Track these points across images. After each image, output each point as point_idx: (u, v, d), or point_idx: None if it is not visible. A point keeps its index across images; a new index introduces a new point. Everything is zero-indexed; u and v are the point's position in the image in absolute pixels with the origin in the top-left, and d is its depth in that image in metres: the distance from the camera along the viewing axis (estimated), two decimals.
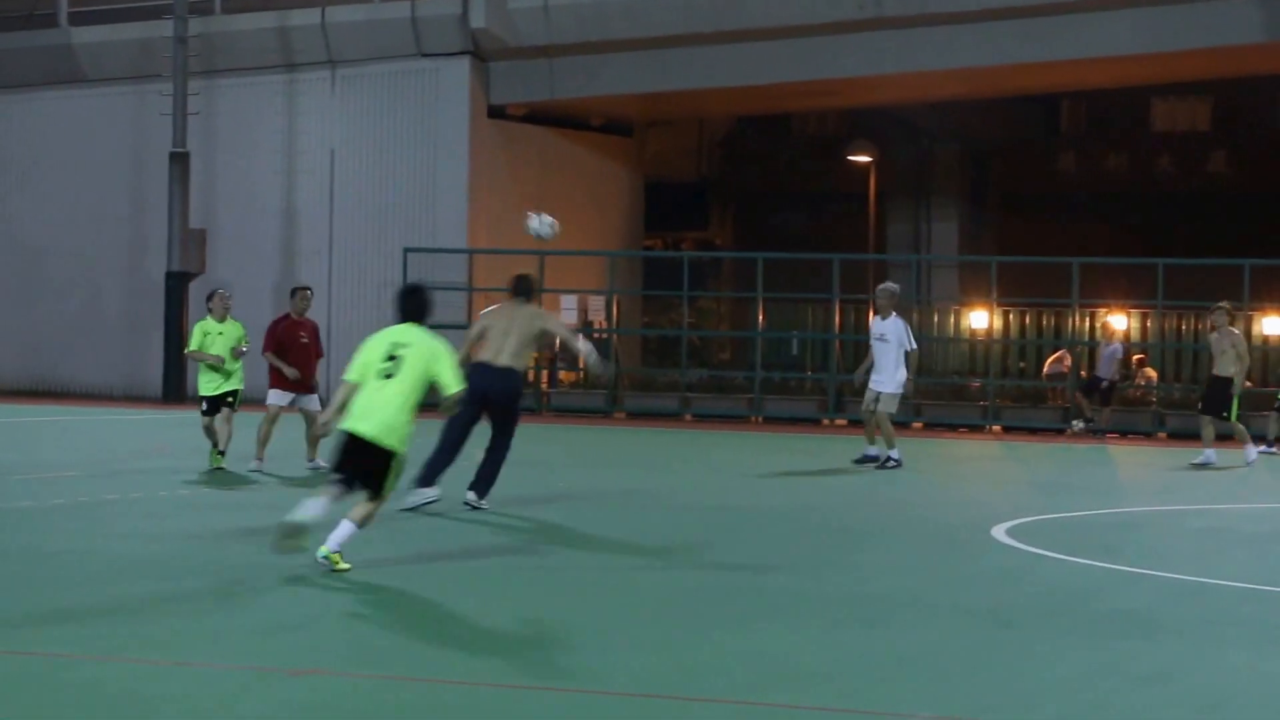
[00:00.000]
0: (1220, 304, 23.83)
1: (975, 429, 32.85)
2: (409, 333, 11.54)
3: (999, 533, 14.64)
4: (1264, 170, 45.58)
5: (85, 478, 18.41)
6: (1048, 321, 37.54)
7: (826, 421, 33.57)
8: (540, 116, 38.83)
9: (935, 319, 38.81)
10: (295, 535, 10.96)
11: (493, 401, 15.18)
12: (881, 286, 22.21)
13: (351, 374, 11.43)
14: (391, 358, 11.30)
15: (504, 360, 15.33)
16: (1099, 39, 33.26)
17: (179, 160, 37.61)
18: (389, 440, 11.15)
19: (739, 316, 39.02)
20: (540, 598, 10.91)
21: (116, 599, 10.42)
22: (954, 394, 34.93)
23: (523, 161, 38.51)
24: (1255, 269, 32.72)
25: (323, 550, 10.93)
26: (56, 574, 11.46)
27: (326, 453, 14.49)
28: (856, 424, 33.04)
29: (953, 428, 32.87)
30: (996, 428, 32.96)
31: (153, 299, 38.36)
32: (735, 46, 35.50)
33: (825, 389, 34.83)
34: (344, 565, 10.96)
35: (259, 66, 38.94)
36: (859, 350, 38.68)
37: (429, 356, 11.39)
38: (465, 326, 36.70)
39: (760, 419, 34.11)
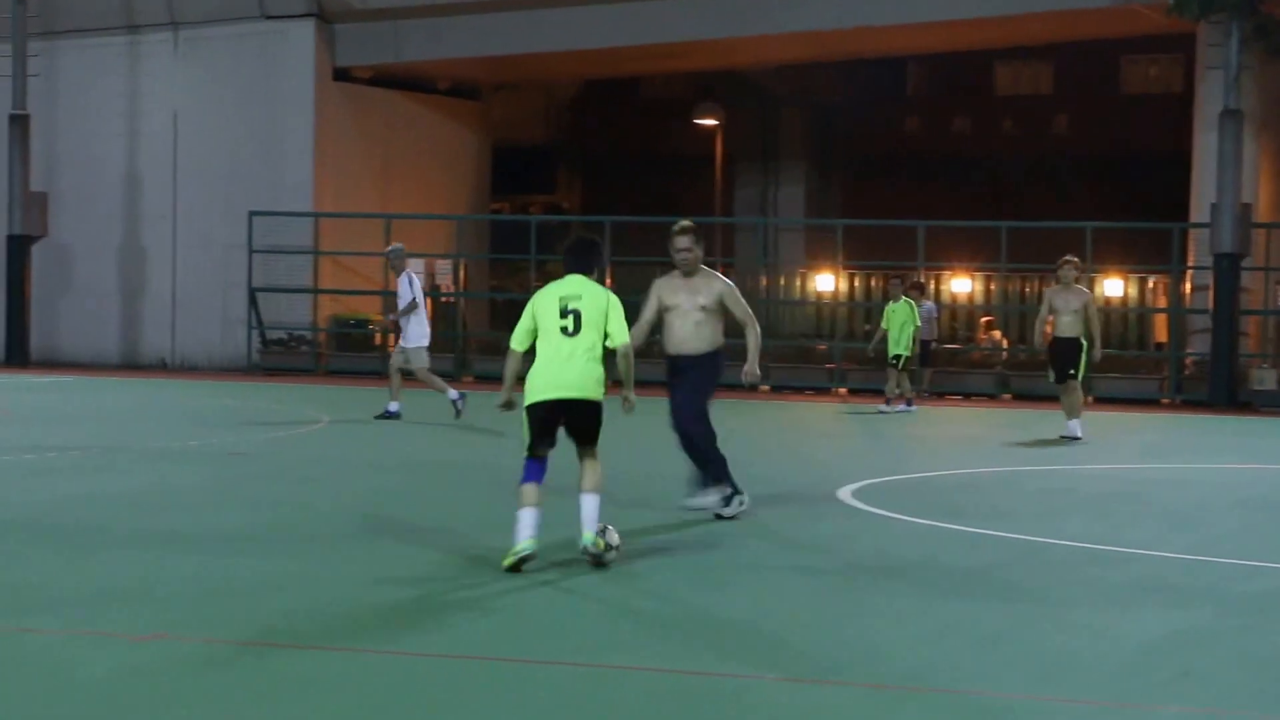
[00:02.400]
0: (1068, 257, 22.03)
1: (821, 392, 33.15)
2: (579, 284, 10.77)
3: (844, 494, 14.83)
4: (1105, 133, 46.33)
5: None
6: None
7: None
8: (386, 80, 38.63)
9: (782, 282, 39.10)
10: (523, 560, 10.27)
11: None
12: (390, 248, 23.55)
13: (518, 340, 10.77)
14: (566, 313, 10.63)
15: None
16: (943, 2, 33.63)
17: (18, 122, 37.02)
18: (595, 393, 10.70)
19: None
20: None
21: None
22: (800, 356, 35.25)
23: (369, 125, 38.31)
24: (1097, 232, 33.29)
25: (587, 538, 10.38)
26: None
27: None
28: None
29: (799, 390, 33.14)
30: (842, 390, 33.30)
31: None
32: (581, 10, 35.50)
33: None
34: (615, 541, 10.51)
35: (101, 28, 38.43)
36: None
37: (604, 305, 10.72)
38: (310, 290, 36.91)
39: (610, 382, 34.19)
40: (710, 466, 12.81)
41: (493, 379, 34.67)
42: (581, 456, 10.78)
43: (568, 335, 10.61)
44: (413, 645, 8.43)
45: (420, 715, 7.08)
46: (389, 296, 37.15)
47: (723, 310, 12.83)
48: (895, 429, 24.42)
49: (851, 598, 9.96)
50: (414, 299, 22.79)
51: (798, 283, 39.68)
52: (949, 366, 33.23)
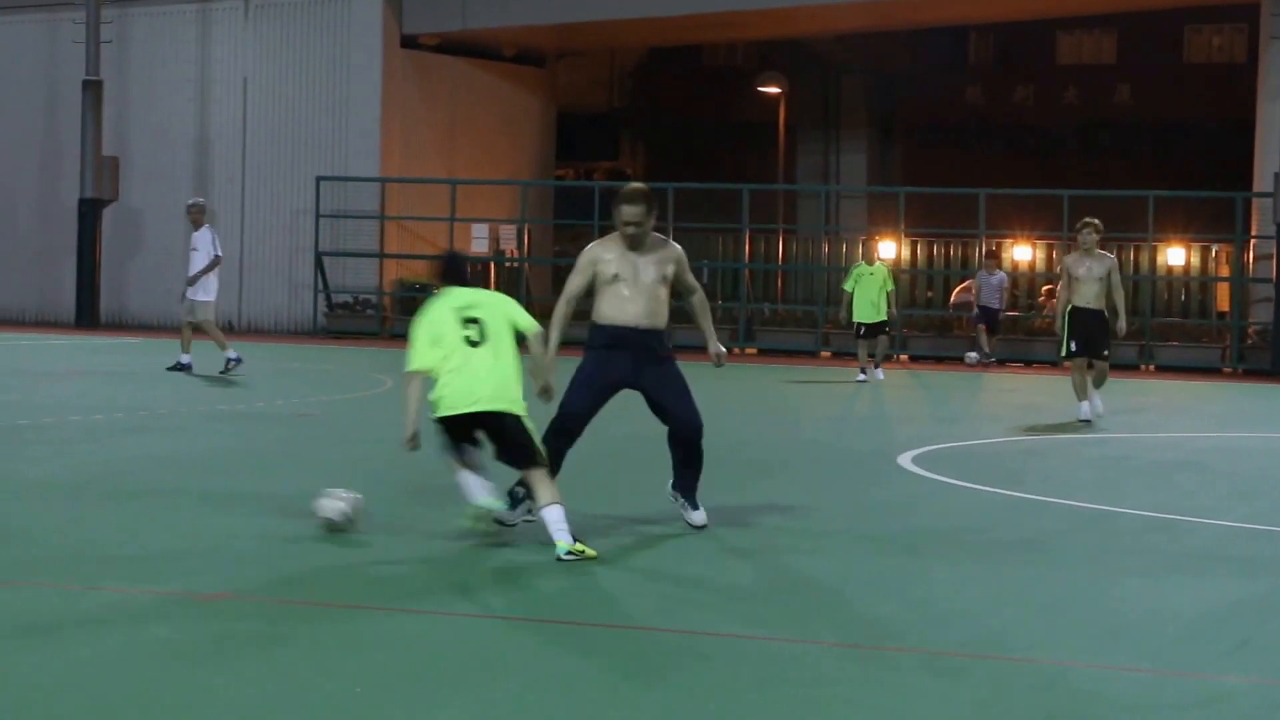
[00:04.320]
0: (1088, 219, 19.36)
1: (884, 359, 33.12)
2: (470, 294, 10.17)
3: (904, 460, 14.86)
4: (1168, 103, 46.10)
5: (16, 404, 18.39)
6: (955, 252, 37.94)
7: (737, 350, 33.74)
8: (453, 47, 38.75)
9: (844, 249, 39.13)
10: (481, 519, 10.08)
11: None
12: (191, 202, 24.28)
13: (417, 362, 10.04)
14: (469, 322, 9.97)
15: None
16: None
17: (91, 88, 37.39)
18: (517, 407, 9.99)
19: None
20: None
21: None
22: None
23: (435, 91, 38.47)
24: (1159, 200, 33.21)
25: (562, 548, 9.50)
26: None
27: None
28: (770, 353, 33.51)
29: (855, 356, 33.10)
30: (904, 357, 33.34)
31: (66, 225, 38.20)
32: None
33: (735, 318, 35.11)
34: (590, 551, 9.58)
35: None
36: (769, 279, 39.09)
37: (503, 306, 10.20)
38: (375, 255, 37.19)
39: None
40: (700, 471, 10.83)
41: (562, 344, 34.76)
42: (532, 471, 9.92)
43: (474, 346, 9.94)
44: (479, 607, 8.55)
45: (490, 676, 7.11)
46: None
47: (675, 279, 10.71)
48: (957, 395, 24.43)
49: (912, 564, 9.93)
50: (217, 255, 23.88)
51: (859, 250, 39.65)
52: (1011, 334, 33.25)
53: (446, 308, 10.08)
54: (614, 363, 10.47)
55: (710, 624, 8.21)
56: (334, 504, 10.28)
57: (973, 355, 31.48)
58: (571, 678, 7.10)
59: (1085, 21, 45.74)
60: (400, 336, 34.77)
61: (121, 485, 12.38)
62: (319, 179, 36.33)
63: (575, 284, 10.56)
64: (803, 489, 13.19)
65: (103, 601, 8.38)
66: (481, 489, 10.06)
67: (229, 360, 23.39)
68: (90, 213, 37.24)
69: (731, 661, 7.43)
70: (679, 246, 10.83)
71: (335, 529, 10.20)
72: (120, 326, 38.04)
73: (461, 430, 10.05)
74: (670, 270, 10.58)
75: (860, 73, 47.30)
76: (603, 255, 10.48)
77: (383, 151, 37.42)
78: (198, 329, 23.77)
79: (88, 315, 37.23)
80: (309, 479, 11.67)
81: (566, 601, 8.70)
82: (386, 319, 36.88)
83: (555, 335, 10.52)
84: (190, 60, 38.68)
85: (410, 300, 37.51)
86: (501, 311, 10.16)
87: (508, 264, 38.12)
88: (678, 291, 10.80)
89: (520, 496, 10.24)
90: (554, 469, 10.13)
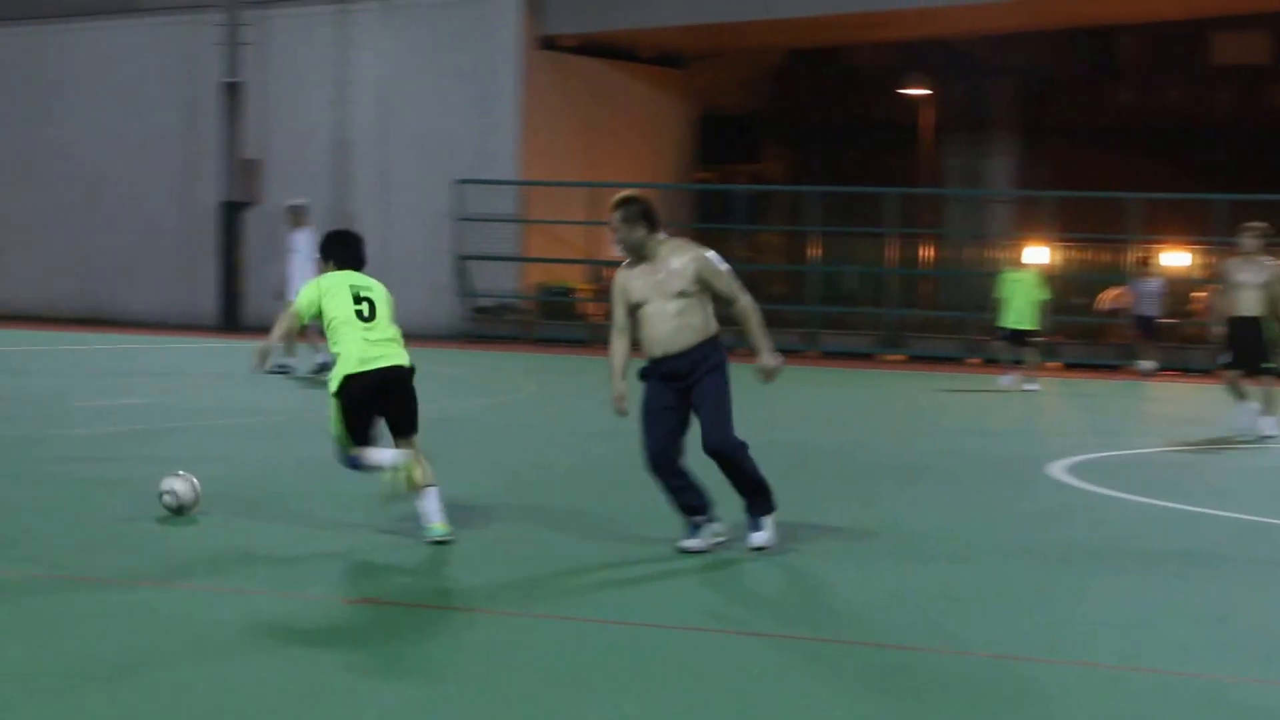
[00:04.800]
0: (1251, 223, 18.18)
1: (1034, 366, 32.66)
2: (363, 277, 10.68)
3: (1057, 470, 14.59)
4: None
5: (144, 406, 18.50)
6: (1104, 258, 37.30)
7: (889, 357, 33.42)
8: (592, 48, 38.71)
9: (992, 255, 38.54)
10: (400, 477, 10.19)
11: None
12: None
13: (305, 311, 10.54)
14: (360, 299, 10.46)
15: None
16: None
17: (232, 90, 37.76)
18: (408, 360, 10.61)
19: (792, 251, 38.96)
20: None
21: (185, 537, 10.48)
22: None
23: (574, 93, 38.43)
24: None
25: (439, 530, 10.07)
26: (108, 502, 11.49)
27: None
28: (919, 360, 33.12)
29: (1013, 364, 32.67)
30: (1054, 364, 32.77)
31: (207, 228, 38.61)
32: None
33: (881, 324, 34.79)
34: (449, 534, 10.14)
35: None
36: (910, 285, 38.63)
37: (388, 299, 10.71)
38: (516, 259, 37.27)
39: (816, 353, 34.07)
40: (756, 488, 10.19)
41: None
42: (410, 446, 10.37)
43: (364, 320, 10.36)
44: (613, 613, 8.43)
45: (627, 683, 7.09)
46: (595, 265, 37.37)
47: (705, 288, 10.04)
48: (1110, 404, 24.01)
49: (1066, 575, 9.79)
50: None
51: (1007, 255, 39.10)
52: (1169, 342, 32.57)
53: (342, 280, 10.51)
54: (661, 391, 10.05)
55: (861, 634, 8.11)
56: (176, 483, 10.81)
57: (1147, 364, 30.72)
58: (713, 683, 6.97)
59: (1238, 21, 44.83)
60: (544, 341, 35.07)
61: (260, 489, 12.42)
62: (457, 182, 36.39)
63: (617, 316, 10.17)
64: (952, 497, 13.02)
65: (247, 606, 8.42)
66: (388, 454, 10.21)
67: (283, 366, 23.01)
68: (231, 215, 37.57)
69: (886, 671, 7.39)
70: (704, 251, 10.13)
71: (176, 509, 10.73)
72: (262, 330, 38.24)
73: (366, 404, 10.28)
74: (691, 282, 9.94)
75: (1008, 74, 46.71)
76: (628, 282, 10.08)
77: (521, 154, 37.41)
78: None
79: (229, 318, 37.55)
80: (448, 483, 11.61)
81: (699, 607, 8.62)
82: (529, 323, 36.86)
83: (616, 368, 10.11)
84: (329, 62, 38.89)
85: (553, 305, 37.51)
86: (388, 302, 10.61)
87: None
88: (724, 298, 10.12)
89: (699, 524, 10.04)
90: (692, 497, 10.02)
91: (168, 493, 10.76)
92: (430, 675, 7.19)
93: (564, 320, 37.11)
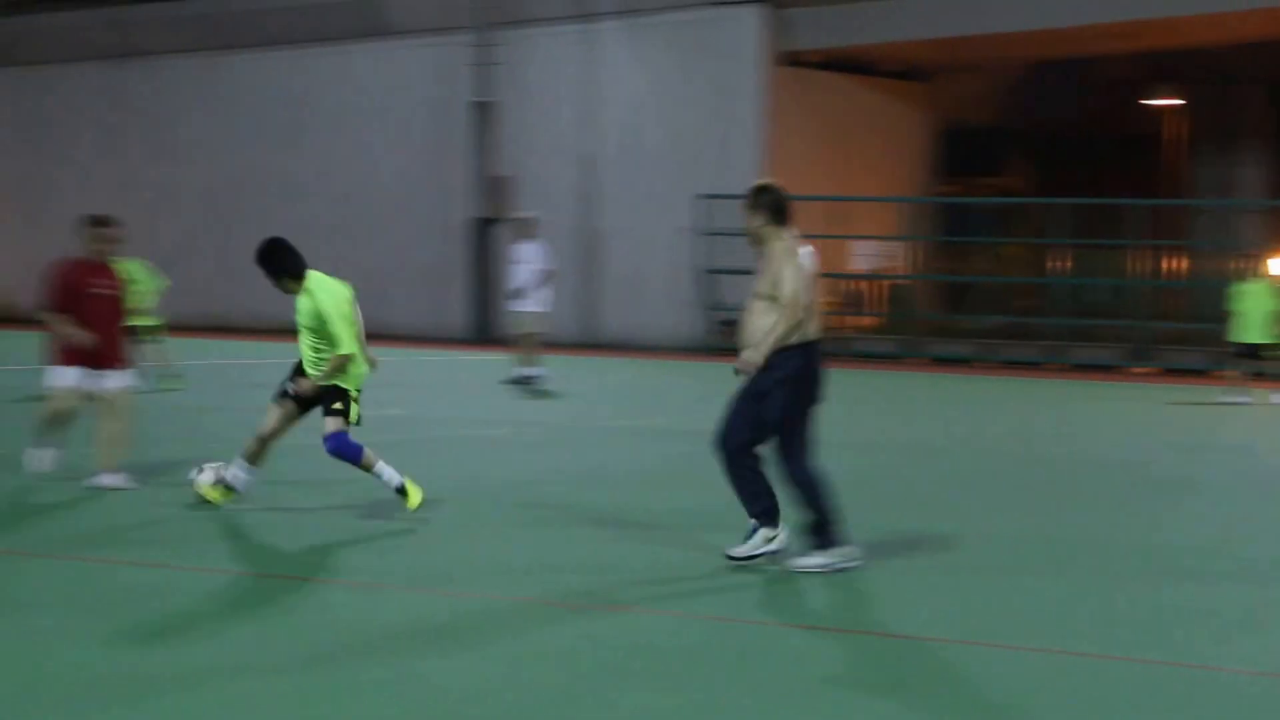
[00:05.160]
0: None
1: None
2: (342, 283, 11.83)
3: None
4: None
5: (403, 418, 18.92)
6: None
7: (1138, 370, 32.95)
8: (835, 63, 38.71)
9: (1239, 266, 37.81)
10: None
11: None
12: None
13: (351, 346, 11.46)
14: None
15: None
16: None
17: (482, 109, 38.48)
18: None
19: (1037, 263, 38.60)
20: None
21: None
22: None
23: (817, 108, 38.48)
24: None
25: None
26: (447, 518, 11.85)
27: None
28: (1173, 372, 32.58)
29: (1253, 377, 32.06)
30: None
31: (458, 243, 39.34)
32: None
33: (1130, 336, 34.33)
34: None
35: (559, 17, 39.48)
36: (1163, 296, 38.02)
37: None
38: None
39: (1063, 366, 33.76)
40: (743, 499, 9.96)
41: (944, 361, 34.79)
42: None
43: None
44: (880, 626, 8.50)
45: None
46: (836, 279, 37.41)
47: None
48: None
49: None
50: (550, 268, 24.65)
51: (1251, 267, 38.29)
52: None
53: (344, 294, 11.50)
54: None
55: (1108, 648, 8.05)
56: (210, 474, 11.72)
57: None
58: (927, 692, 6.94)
59: None
60: None
61: (520, 497, 12.64)
62: (700, 196, 36.64)
63: None
64: (1214, 511, 12.82)
65: (498, 609, 8.63)
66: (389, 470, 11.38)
67: (527, 376, 23.86)
68: (482, 230, 38.28)
69: (1140, 685, 7.25)
70: (779, 245, 9.84)
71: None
72: (511, 343, 38.85)
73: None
74: (769, 286, 9.76)
75: (1259, 82, 45.70)
76: None
77: (763, 168, 37.55)
78: (527, 340, 24.32)
79: (480, 331, 38.26)
80: (693, 498, 11.78)
81: (935, 620, 8.56)
82: None
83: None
84: (575, 80, 39.41)
85: None
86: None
87: (892, 281, 37.96)
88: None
89: (754, 527, 9.92)
90: (752, 495, 9.90)
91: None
92: (688, 682, 7.34)
93: None
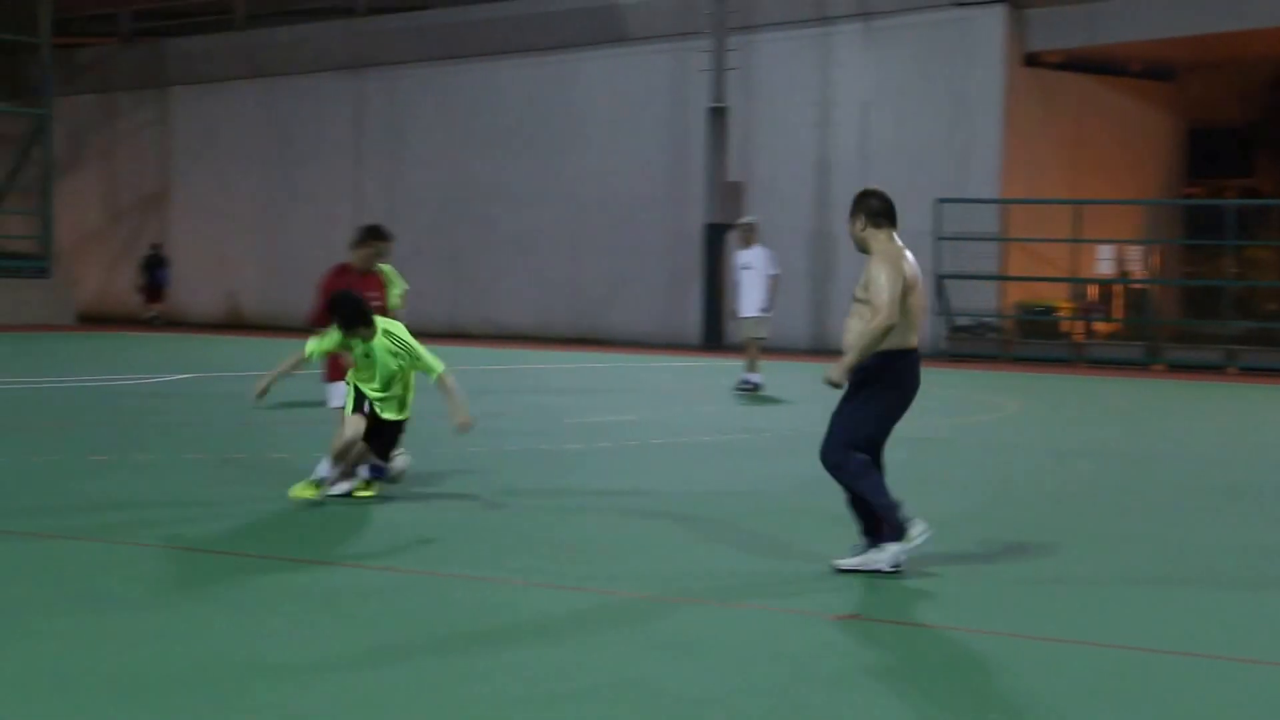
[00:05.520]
0: None
1: None
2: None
3: None
4: None
5: (637, 424, 18.95)
6: None
7: None
8: (1077, 63, 38.06)
9: None
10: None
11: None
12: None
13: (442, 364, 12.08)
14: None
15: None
16: None
17: (717, 114, 38.50)
18: None
19: None
20: (1101, 550, 10.81)
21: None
22: None
23: (1058, 110, 37.86)
24: None
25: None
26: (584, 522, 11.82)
27: None
28: None
29: None
30: None
31: (691, 249, 39.37)
32: None
33: None
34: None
35: (794, 21, 39.38)
36: None
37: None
38: (996, 277, 36.87)
39: None
40: (859, 509, 9.84)
41: (1186, 368, 34.08)
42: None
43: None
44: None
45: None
46: (1077, 284, 36.75)
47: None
48: None
49: None
50: (776, 273, 24.77)
51: None
52: None
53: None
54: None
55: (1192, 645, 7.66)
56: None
57: None
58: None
59: None
60: (1023, 360, 34.66)
61: (767, 504, 12.54)
62: (939, 200, 36.21)
63: None
64: None
65: (732, 617, 8.57)
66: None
67: (750, 382, 24.09)
68: (715, 236, 38.23)
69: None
70: (878, 249, 9.71)
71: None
72: (740, 349, 38.75)
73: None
74: (862, 289, 9.59)
75: None
76: None
77: (1003, 172, 37.01)
78: (751, 346, 24.36)
79: (712, 337, 38.21)
80: (942, 501, 11.63)
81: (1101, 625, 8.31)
82: (1008, 342, 36.44)
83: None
84: (811, 83, 39.22)
85: (1033, 323, 37.01)
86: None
87: (1135, 285, 37.19)
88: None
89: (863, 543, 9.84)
90: (859, 504, 9.80)
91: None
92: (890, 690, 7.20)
93: (1045, 339, 36.57)
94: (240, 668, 7.27)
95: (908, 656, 7.87)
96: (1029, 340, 36.52)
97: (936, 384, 27.63)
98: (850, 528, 10.00)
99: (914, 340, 9.70)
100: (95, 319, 47.80)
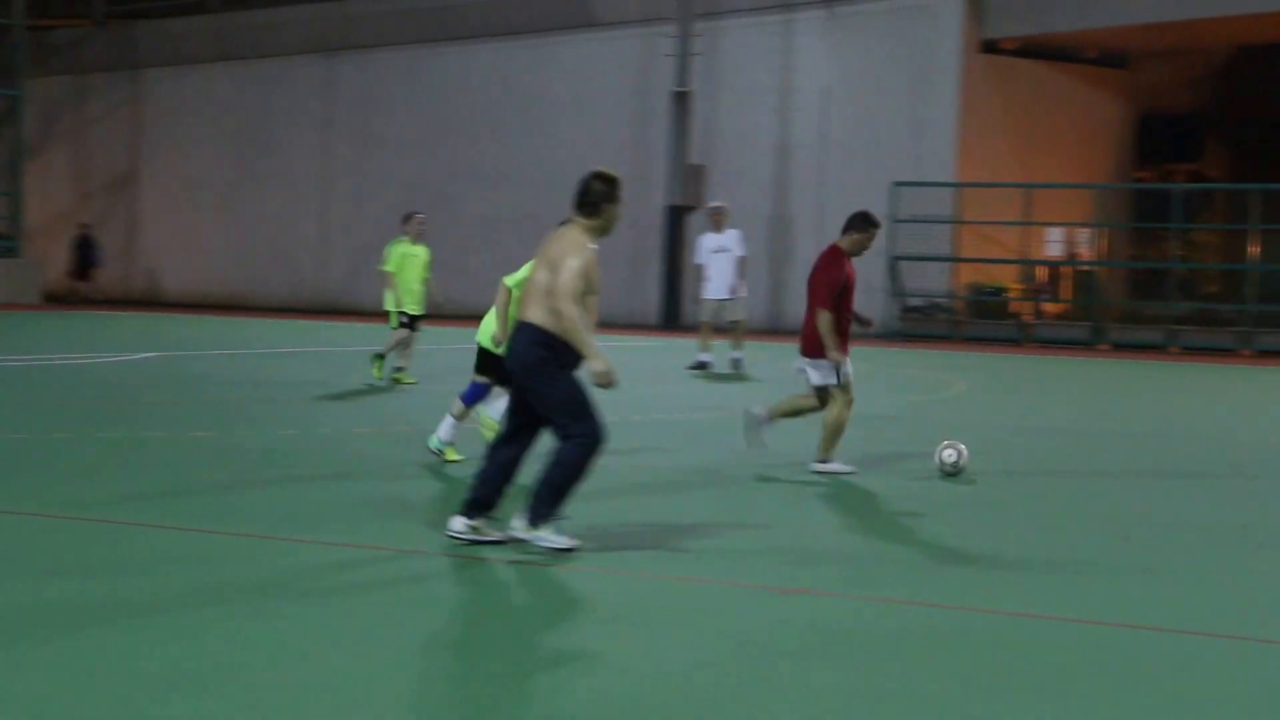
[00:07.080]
0: None
1: None
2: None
3: None
4: None
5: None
6: None
7: None
8: (1032, 50, 38.68)
9: None
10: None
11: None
12: None
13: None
14: None
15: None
16: None
17: (681, 99, 39.05)
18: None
19: (1231, 250, 38.32)
20: (1051, 527, 11.25)
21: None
22: None
23: (1012, 95, 38.50)
24: None
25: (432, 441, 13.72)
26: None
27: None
28: None
29: None
30: None
31: (652, 232, 39.93)
32: None
33: None
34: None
35: (758, 7, 39.92)
36: None
37: None
38: (948, 259, 37.47)
39: (1250, 352, 33.62)
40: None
41: (1129, 347, 34.70)
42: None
43: None
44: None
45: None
46: (1027, 265, 37.55)
47: None
48: None
49: None
50: (742, 255, 25.09)
51: None
52: None
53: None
54: None
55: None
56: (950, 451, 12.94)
57: None
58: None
59: None
60: (973, 340, 35.30)
61: (726, 479, 13.06)
62: (895, 184, 36.88)
63: None
64: None
65: (682, 589, 9.01)
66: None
67: (704, 362, 24.90)
68: (676, 219, 38.87)
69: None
70: None
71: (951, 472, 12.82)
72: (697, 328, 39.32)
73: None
74: None
75: None
76: None
77: (959, 156, 37.73)
78: (737, 328, 24.87)
79: (670, 318, 38.85)
80: (881, 481, 12.10)
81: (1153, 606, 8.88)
82: (960, 322, 37.20)
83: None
84: (773, 70, 39.82)
85: (983, 304, 37.78)
86: None
87: (1082, 268, 37.99)
88: None
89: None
90: None
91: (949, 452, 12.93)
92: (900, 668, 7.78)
93: (995, 320, 37.32)
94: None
95: (855, 628, 7.91)
96: (979, 320, 37.25)
97: (890, 363, 28.34)
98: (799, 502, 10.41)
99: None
100: (61, 299, 47.78)
